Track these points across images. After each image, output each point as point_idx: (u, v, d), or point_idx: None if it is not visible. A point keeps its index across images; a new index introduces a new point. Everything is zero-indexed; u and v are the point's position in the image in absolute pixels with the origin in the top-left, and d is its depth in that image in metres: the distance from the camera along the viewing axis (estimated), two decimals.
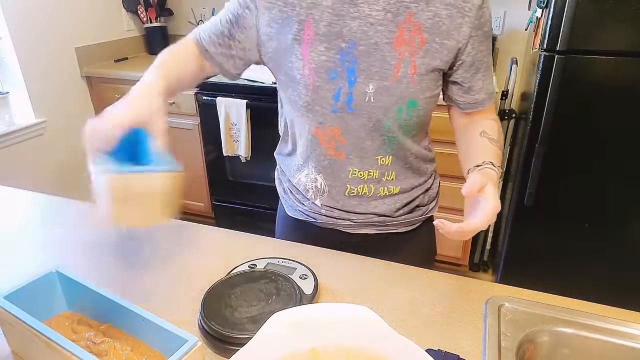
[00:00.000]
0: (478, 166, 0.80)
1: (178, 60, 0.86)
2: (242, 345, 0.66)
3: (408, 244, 1.00)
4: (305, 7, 0.79)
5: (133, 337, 0.64)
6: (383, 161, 0.88)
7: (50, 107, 2.49)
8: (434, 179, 1.02)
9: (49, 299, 0.70)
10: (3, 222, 1.07)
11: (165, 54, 0.85)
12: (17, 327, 0.63)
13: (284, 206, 1.04)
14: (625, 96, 1.55)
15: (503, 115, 2.06)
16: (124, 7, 2.82)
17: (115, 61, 2.76)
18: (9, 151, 2.32)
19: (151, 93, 0.73)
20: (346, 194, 0.91)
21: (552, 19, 1.54)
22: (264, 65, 0.89)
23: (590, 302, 0.75)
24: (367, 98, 0.80)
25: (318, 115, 0.84)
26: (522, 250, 1.90)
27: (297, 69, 0.82)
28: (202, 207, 2.70)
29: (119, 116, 0.68)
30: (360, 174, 0.89)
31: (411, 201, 0.95)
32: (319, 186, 0.92)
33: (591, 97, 1.59)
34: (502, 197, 2.16)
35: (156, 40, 2.91)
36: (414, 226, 0.99)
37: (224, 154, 2.39)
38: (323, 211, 0.94)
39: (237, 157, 2.41)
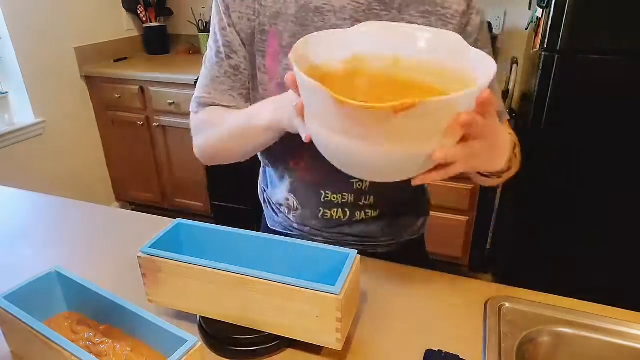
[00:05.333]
0: None
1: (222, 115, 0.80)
2: (242, 345, 0.66)
3: (399, 250, 0.93)
4: (269, 16, 0.74)
5: (133, 337, 0.64)
6: (359, 185, 0.81)
7: (50, 107, 2.49)
8: (424, 197, 0.96)
9: (49, 299, 0.70)
10: (3, 222, 1.07)
11: (212, 118, 0.79)
12: (16, 327, 0.63)
13: (266, 216, 0.99)
14: (625, 96, 1.55)
15: None
16: (124, 7, 2.82)
17: (115, 61, 2.76)
18: (8, 151, 2.32)
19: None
20: (320, 216, 0.86)
21: (552, 19, 1.54)
22: None
23: (590, 302, 0.75)
24: None
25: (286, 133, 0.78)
26: (522, 250, 1.90)
27: (262, 83, 0.77)
28: (201, 207, 2.70)
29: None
30: (334, 197, 0.83)
31: (391, 222, 0.89)
32: (291, 205, 0.88)
33: (591, 97, 1.59)
34: (502, 197, 2.16)
35: (156, 40, 2.91)
36: (397, 247, 0.92)
37: None
38: (295, 225, 0.90)
39: None
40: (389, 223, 0.88)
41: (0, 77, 2.38)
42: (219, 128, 0.78)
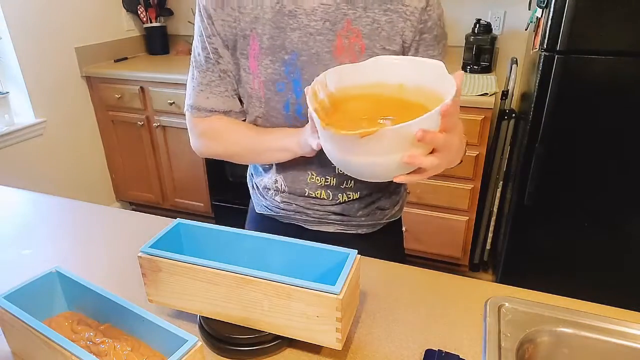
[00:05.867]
0: None
1: (233, 127, 0.88)
2: (242, 345, 0.66)
3: (370, 246, 0.95)
4: (249, 21, 0.80)
5: (133, 337, 0.64)
6: (341, 170, 0.87)
7: (50, 107, 2.49)
8: (401, 186, 1.00)
9: (49, 299, 0.70)
10: (3, 222, 1.07)
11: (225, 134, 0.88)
12: (17, 327, 0.63)
13: (253, 202, 1.05)
14: (625, 96, 1.55)
15: (503, 115, 2.06)
16: (124, 7, 2.82)
17: (115, 61, 2.76)
18: (9, 151, 2.32)
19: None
20: (305, 195, 0.91)
21: (552, 19, 1.54)
22: None
23: (590, 302, 0.75)
24: None
25: (274, 125, 0.86)
26: (522, 250, 1.90)
27: (248, 82, 0.83)
28: (202, 207, 2.70)
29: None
30: (318, 180, 0.89)
31: (371, 203, 0.94)
32: (278, 187, 0.93)
33: (591, 97, 1.59)
34: (502, 197, 2.16)
35: (156, 40, 2.91)
36: (375, 229, 0.98)
37: None
38: (282, 205, 0.95)
39: None
40: (368, 204, 0.94)
41: (1, 77, 2.38)
42: (233, 141, 0.88)
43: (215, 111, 0.87)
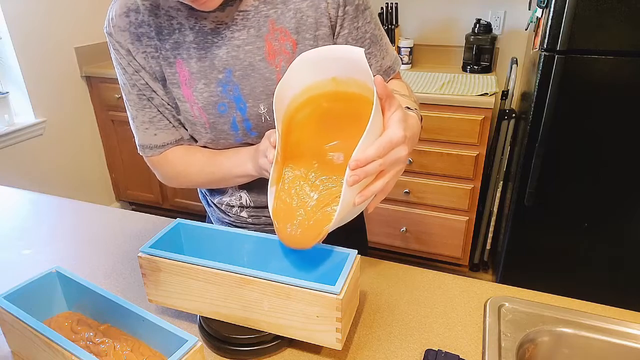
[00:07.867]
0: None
1: (193, 154, 0.86)
2: (242, 345, 0.66)
3: (340, 241, 0.93)
4: (170, 48, 0.76)
5: (133, 337, 0.64)
6: None
7: (50, 107, 2.49)
8: None
9: (49, 299, 0.70)
10: (3, 222, 1.07)
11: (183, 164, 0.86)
12: (17, 327, 0.63)
13: (211, 218, 1.02)
14: (625, 96, 1.55)
15: (503, 115, 2.06)
16: None
17: None
18: (9, 151, 2.32)
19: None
20: None
21: (552, 19, 1.54)
22: None
23: (590, 302, 0.75)
24: (263, 119, 0.79)
25: (226, 146, 0.83)
26: (522, 250, 1.90)
27: (186, 111, 0.80)
28: (201, 207, 2.69)
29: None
30: None
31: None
32: (243, 203, 0.90)
33: (591, 97, 1.59)
34: (502, 197, 2.16)
35: None
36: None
37: None
38: (250, 220, 0.92)
39: None
40: None
41: (1, 77, 2.38)
42: (195, 173, 0.85)
43: (167, 144, 0.84)
